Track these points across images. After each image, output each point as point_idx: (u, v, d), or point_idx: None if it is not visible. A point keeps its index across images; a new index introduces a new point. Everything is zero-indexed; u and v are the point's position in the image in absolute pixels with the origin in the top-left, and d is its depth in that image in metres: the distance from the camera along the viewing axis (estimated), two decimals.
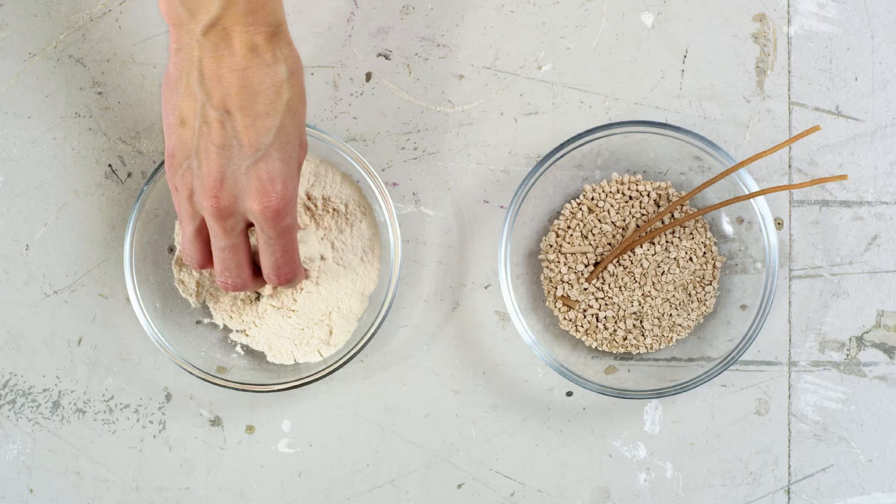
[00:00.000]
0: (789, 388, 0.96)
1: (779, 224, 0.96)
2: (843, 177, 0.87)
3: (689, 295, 0.94)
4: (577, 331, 0.94)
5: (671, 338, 0.94)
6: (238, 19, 0.72)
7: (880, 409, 0.96)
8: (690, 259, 0.94)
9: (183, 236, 0.84)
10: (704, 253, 0.94)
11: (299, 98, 0.77)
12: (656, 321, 0.93)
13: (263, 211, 0.77)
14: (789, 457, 0.95)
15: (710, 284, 0.94)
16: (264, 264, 0.83)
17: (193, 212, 0.81)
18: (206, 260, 0.84)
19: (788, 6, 0.97)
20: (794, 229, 0.96)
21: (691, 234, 0.94)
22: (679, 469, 0.96)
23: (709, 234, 0.94)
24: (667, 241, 0.94)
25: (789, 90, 0.96)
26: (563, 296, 0.94)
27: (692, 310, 0.94)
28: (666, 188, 0.94)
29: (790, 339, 0.96)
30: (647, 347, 0.94)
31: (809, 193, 0.96)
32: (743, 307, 0.94)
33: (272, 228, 0.79)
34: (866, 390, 0.96)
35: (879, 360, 0.95)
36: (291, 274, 0.84)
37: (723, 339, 0.94)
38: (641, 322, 0.94)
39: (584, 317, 0.94)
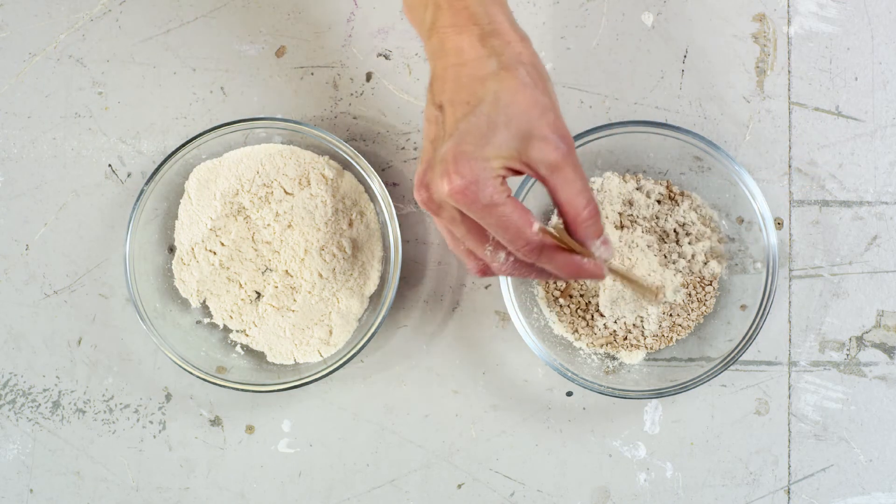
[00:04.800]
0: (789, 388, 0.96)
1: (779, 224, 0.96)
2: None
3: (689, 295, 0.94)
4: (576, 331, 0.94)
5: (671, 338, 0.94)
6: (446, 25, 0.76)
7: (880, 409, 0.95)
8: (691, 259, 0.94)
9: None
10: (705, 253, 0.94)
11: (514, 91, 0.74)
12: (656, 321, 0.93)
13: (451, 193, 0.73)
14: (789, 457, 0.95)
15: (710, 284, 0.94)
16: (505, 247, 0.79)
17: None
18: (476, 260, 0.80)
19: (788, 6, 0.97)
20: (794, 229, 0.96)
21: (697, 236, 0.94)
22: (679, 469, 0.96)
23: (712, 235, 0.94)
24: (668, 241, 0.94)
25: (789, 90, 0.96)
26: (561, 289, 0.94)
27: (692, 310, 0.94)
28: (667, 186, 0.94)
29: (790, 339, 0.96)
30: (647, 347, 0.94)
31: (809, 193, 0.96)
32: (743, 307, 0.94)
33: (469, 209, 0.74)
34: (866, 390, 0.96)
35: (879, 360, 0.95)
36: (529, 246, 0.75)
37: (723, 339, 0.94)
38: (641, 322, 0.94)
39: (584, 317, 0.94)
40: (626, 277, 0.86)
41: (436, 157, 0.74)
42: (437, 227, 0.80)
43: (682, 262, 0.93)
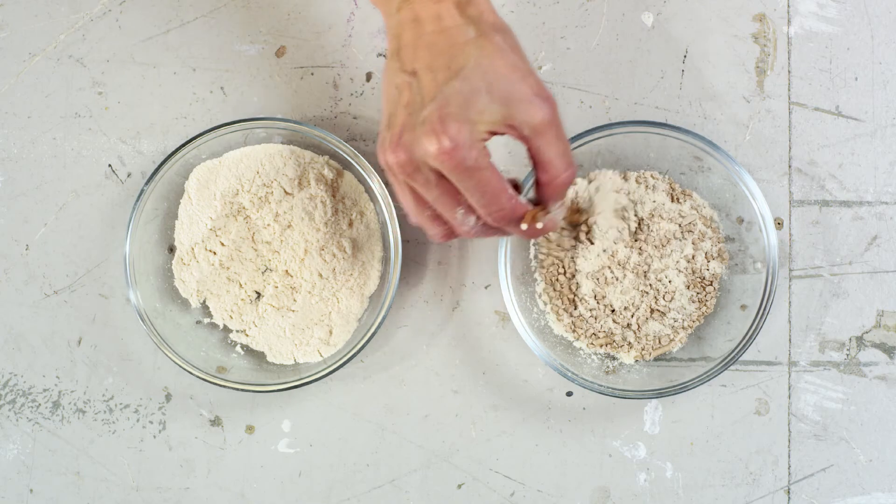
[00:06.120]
0: (789, 388, 0.96)
1: (779, 224, 0.96)
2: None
3: (690, 295, 0.94)
4: (575, 331, 0.94)
5: (671, 338, 0.94)
6: None
7: (880, 409, 0.95)
8: (691, 259, 0.94)
9: (406, 209, 0.81)
10: (706, 253, 0.94)
11: (493, 57, 0.75)
12: (656, 321, 0.93)
13: (438, 154, 0.74)
14: (789, 457, 0.95)
15: (711, 284, 0.94)
16: (477, 211, 0.79)
17: (395, 179, 0.78)
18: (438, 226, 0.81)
19: (788, 6, 0.97)
20: (794, 229, 0.96)
21: (698, 236, 0.94)
22: (679, 469, 0.96)
23: (712, 235, 0.94)
24: (669, 241, 0.94)
25: (789, 90, 0.96)
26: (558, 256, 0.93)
27: (692, 310, 0.94)
28: (670, 184, 0.94)
29: (790, 339, 0.96)
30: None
31: (809, 193, 0.96)
32: (743, 307, 0.94)
33: (452, 171, 0.75)
34: (866, 390, 0.96)
35: (879, 360, 0.95)
36: (502, 213, 0.77)
37: (723, 339, 0.94)
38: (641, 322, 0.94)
39: (584, 317, 0.94)
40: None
41: (415, 120, 0.74)
42: (399, 192, 0.79)
43: (683, 263, 0.93)
